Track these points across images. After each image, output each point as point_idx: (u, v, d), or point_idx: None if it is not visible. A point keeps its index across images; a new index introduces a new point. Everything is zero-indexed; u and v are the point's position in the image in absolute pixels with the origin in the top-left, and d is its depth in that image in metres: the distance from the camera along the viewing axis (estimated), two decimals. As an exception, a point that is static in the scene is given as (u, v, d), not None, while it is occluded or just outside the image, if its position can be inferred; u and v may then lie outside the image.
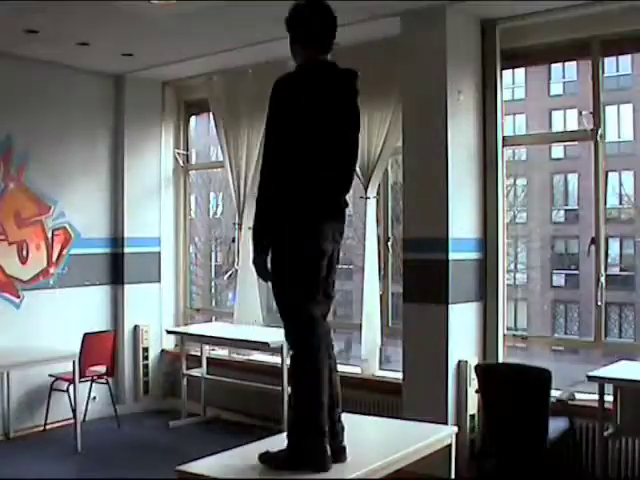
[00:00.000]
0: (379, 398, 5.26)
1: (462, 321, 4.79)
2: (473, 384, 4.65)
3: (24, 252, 5.97)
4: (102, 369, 5.92)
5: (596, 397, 4.17)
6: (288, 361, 4.10)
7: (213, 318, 7.15)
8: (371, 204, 5.40)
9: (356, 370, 5.58)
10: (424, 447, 3.06)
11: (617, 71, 9.01)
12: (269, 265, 2.81)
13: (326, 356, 2.75)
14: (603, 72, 4.78)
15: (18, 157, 5.90)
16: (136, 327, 6.67)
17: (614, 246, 9.57)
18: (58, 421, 5.88)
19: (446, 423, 4.47)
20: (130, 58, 5.97)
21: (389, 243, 5.66)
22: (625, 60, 8.68)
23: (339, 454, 2.75)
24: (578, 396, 4.54)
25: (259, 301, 6.20)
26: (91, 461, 5.21)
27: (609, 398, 4.19)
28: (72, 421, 5.44)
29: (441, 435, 3.25)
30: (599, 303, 4.73)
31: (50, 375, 5.74)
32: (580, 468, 4.48)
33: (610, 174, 8.51)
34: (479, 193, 4.98)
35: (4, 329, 5.65)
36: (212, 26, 5.09)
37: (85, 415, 5.99)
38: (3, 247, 5.82)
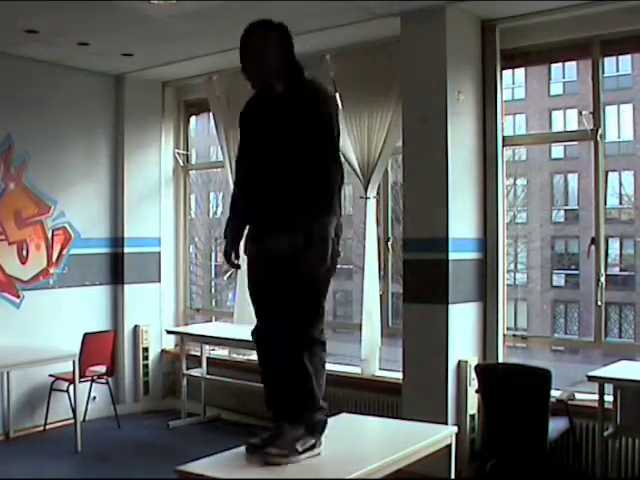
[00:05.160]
0: (379, 398, 5.26)
1: (462, 321, 4.79)
2: (473, 384, 4.65)
3: (24, 252, 5.97)
4: (102, 369, 5.92)
5: (596, 397, 4.18)
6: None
7: (213, 318, 7.15)
8: (371, 204, 5.40)
9: (356, 370, 5.58)
10: (424, 447, 3.06)
11: (617, 71, 9.00)
12: None
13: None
14: (603, 72, 4.78)
15: (18, 157, 5.90)
16: (136, 327, 6.67)
17: (614, 246, 9.57)
18: (58, 421, 5.88)
19: (446, 423, 4.48)
20: (130, 58, 5.97)
21: (389, 243, 5.66)
22: (625, 60, 8.68)
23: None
24: (578, 396, 4.54)
25: (259, 301, 6.19)
26: (91, 461, 5.21)
27: (609, 398, 4.19)
28: (72, 421, 5.45)
29: (441, 435, 3.24)
30: (599, 303, 4.73)
31: (50, 375, 5.74)
32: (580, 468, 4.48)
33: (610, 174, 8.53)
34: (479, 193, 4.98)
35: (4, 329, 5.64)
36: (212, 26, 5.08)
37: (85, 415, 6.00)
38: (3, 247, 5.82)
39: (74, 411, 5.42)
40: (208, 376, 6.24)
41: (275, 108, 2.82)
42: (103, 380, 6.00)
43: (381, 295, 5.50)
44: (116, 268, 6.59)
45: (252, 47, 2.80)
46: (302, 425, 2.80)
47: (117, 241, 6.61)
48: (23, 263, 5.96)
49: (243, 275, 6.22)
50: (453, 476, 3.30)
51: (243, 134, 2.96)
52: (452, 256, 4.70)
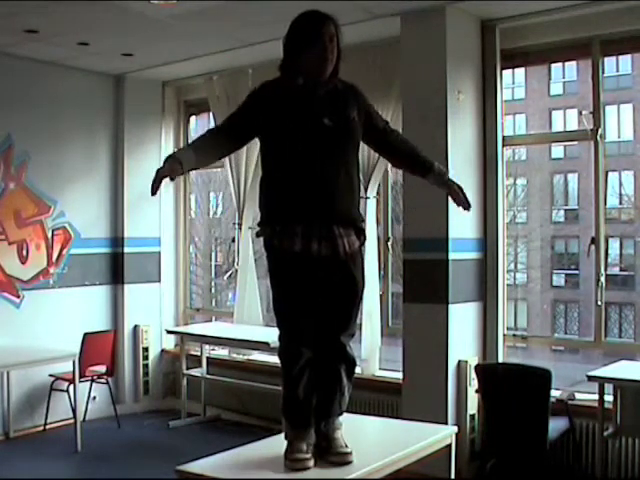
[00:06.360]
0: (379, 398, 5.26)
1: (462, 321, 4.79)
2: (473, 384, 4.65)
3: (24, 252, 5.97)
4: (102, 369, 5.92)
5: (596, 397, 4.18)
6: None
7: (213, 318, 7.15)
8: (371, 204, 5.40)
9: (356, 370, 5.56)
10: (424, 447, 3.05)
11: (617, 71, 9.01)
12: None
13: None
14: (603, 72, 4.78)
15: (18, 157, 5.90)
16: (136, 327, 6.67)
17: (614, 246, 9.58)
18: (58, 421, 5.88)
19: (446, 423, 4.47)
20: (130, 58, 5.97)
21: (389, 243, 5.66)
22: (625, 60, 8.69)
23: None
24: (578, 396, 4.54)
25: (259, 301, 6.20)
26: (91, 461, 5.21)
27: (609, 398, 4.19)
28: (72, 421, 5.44)
29: (441, 435, 3.24)
30: (599, 303, 4.73)
31: (50, 375, 5.74)
32: (580, 468, 4.48)
33: (610, 174, 8.53)
34: (479, 193, 4.98)
35: (4, 329, 5.64)
36: (212, 26, 5.09)
37: (85, 415, 5.99)
38: (3, 247, 5.82)
39: (74, 411, 5.42)
40: (208, 376, 6.24)
41: (334, 95, 2.84)
42: (103, 380, 6.00)
43: (381, 295, 5.50)
44: (116, 268, 6.59)
45: (330, 33, 2.69)
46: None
47: (117, 241, 6.61)
48: (23, 263, 5.96)
49: (243, 275, 6.25)
50: (453, 476, 3.29)
51: (283, 116, 2.75)
52: (452, 256, 4.69)
